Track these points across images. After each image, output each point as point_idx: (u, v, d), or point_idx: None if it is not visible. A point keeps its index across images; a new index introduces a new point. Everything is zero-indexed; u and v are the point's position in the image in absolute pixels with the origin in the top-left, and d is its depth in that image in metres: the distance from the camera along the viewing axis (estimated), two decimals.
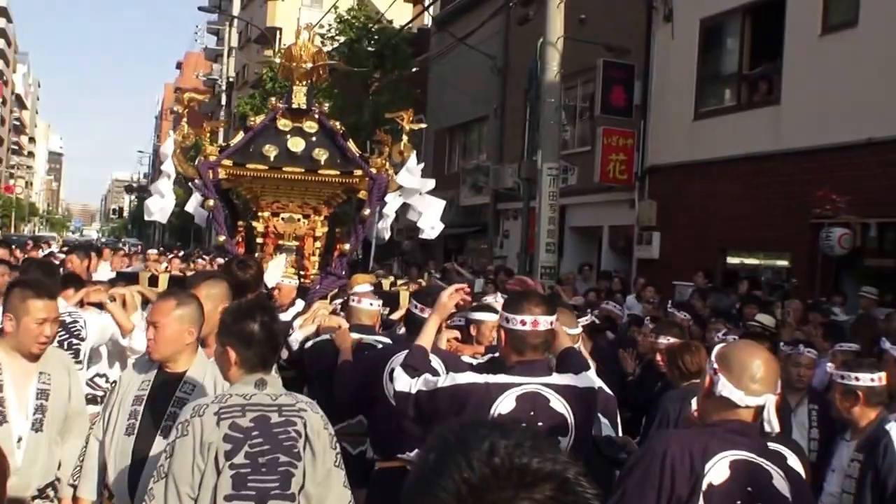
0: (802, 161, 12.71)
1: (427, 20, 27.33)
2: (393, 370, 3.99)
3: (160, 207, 8.26)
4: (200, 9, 36.56)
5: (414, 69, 25.87)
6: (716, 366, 2.92)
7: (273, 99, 8.90)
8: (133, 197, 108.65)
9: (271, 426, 3.18)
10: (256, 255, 7.96)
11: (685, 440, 2.87)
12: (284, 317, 6.88)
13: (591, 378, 3.85)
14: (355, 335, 5.44)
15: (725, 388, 2.84)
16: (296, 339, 6.00)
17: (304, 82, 8.00)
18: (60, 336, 5.18)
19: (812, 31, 12.89)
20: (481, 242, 23.40)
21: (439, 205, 8.50)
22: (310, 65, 7.98)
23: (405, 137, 8.12)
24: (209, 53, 69.47)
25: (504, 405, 3.51)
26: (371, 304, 5.66)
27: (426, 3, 24.08)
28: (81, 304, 6.07)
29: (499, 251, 21.70)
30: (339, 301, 7.40)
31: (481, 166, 23.20)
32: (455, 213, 24.84)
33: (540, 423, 3.49)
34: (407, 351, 3.99)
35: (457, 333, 5.66)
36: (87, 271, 11.08)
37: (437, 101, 26.39)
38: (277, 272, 7.57)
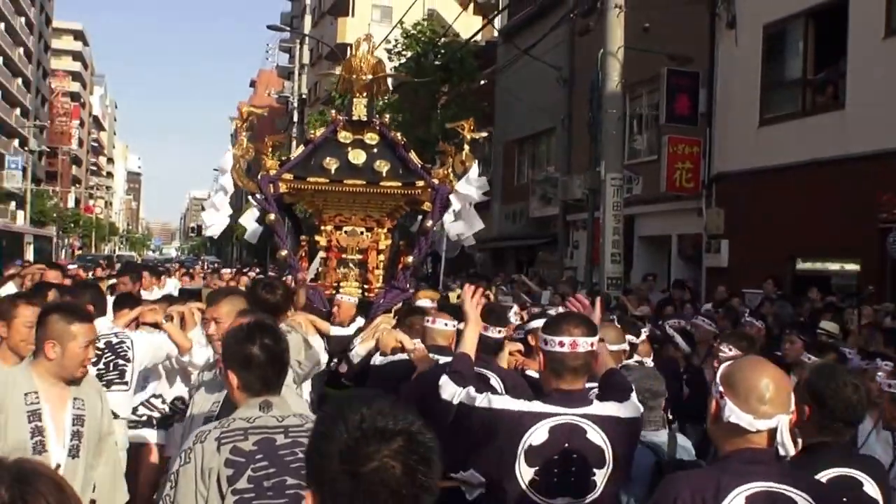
0: (868, 165, 12.82)
1: (494, 32, 27.86)
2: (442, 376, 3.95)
3: (214, 221, 8.46)
4: (269, 27, 37.52)
5: (482, 82, 26.39)
6: (721, 388, 2.73)
7: (334, 111, 9.10)
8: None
9: (276, 448, 3.12)
10: (319, 269, 8.17)
11: (696, 482, 2.69)
12: (346, 332, 7.12)
13: (636, 405, 3.68)
14: (431, 355, 5.27)
15: (733, 412, 2.65)
16: (357, 353, 5.97)
17: (364, 94, 8.09)
18: (106, 357, 5.42)
19: (876, 33, 13.03)
20: (552, 254, 23.74)
21: (479, 224, 8.49)
22: (370, 76, 8.07)
23: (467, 147, 8.15)
24: (282, 71, 71.16)
25: (537, 436, 3.45)
26: (446, 325, 5.39)
27: (491, 16, 24.52)
28: (137, 324, 6.22)
29: (569, 262, 22.03)
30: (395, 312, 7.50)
31: (550, 177, 23.57)
32: (525, 225, 25.29)
33: (574, 455, 3.44)
34: (456, 356, 3.96)
35: (520, 346, 5.73)
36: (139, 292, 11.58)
37: (505, 113, 26.83)
38: (313, 270, 7.83)
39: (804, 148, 14.14)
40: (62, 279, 9.77)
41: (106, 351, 5.44)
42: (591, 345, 3.54)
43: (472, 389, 3.64)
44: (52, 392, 3.90)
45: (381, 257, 8.20)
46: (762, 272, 13.99)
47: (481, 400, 3.57)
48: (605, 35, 14.10)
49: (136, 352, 5.53)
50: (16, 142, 68.90)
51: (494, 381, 4.61)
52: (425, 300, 7.88)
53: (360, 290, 8.02)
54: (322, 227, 8.15)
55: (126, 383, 5.45)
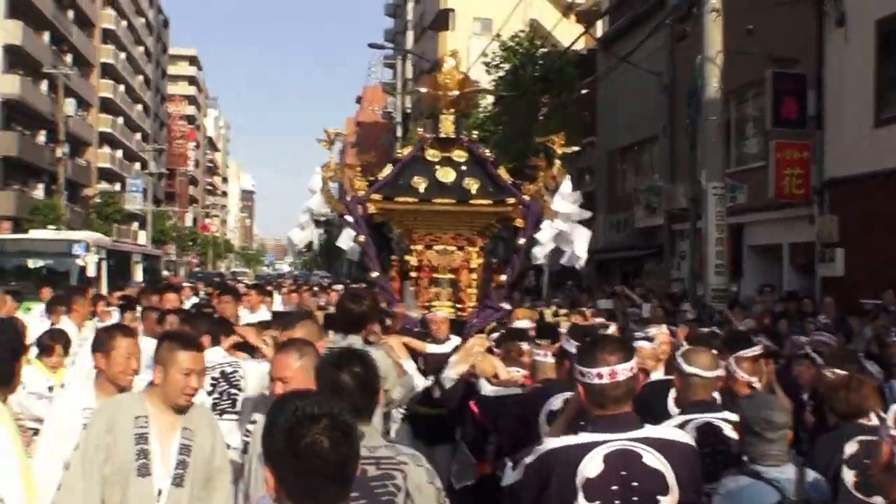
0: None
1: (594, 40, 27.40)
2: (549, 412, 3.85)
3: (300, 239, 8.43)
4: (371, 45, 37.92)
5: (583, 91, 25.96)
6: (894, 432, 2.34)
7: (420, 129, 8.79)
8: (321, 231, 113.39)
9: (368, 480, 3.05)
10: (411, 289, 7.94)
11: None
12: (443, 349, 6.95)
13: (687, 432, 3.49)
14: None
15: None
16: (448, 377, 5.73)
17: (451, 110, 7.86)
18: (220, 386, 5.40)
19: None
20: (658, 265, 23.10)
21: (587, 235, 8.19)
22: (456, 92, 7.83)
23: (558, 162, 7.85)
24: (386, 87, 71.90)
25: (591, 467, 3.18)
26: (552, 358, 5.16)
27: (590, 24, 24.10)
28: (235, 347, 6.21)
29: (676, 273, 21.37)
30: (495, 335, 7.25)
31: (654, 186, 22.95)
32: (630, 235, 24.69)
33: (634, 483, 3.17)
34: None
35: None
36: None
37: (607, 121, 26.35)
38: (410, 301, 7.58)
39: None
40: (179, 302, 9.99)
41: (220, 380, 5.45)
42: (631, 370, 3.29)
43: (511, 463, 3.45)
44: (161, 418, 3.91)
45: (474, 276, 7.98)
46: (881, 282, 13.20)
47: (527, 458, 3.33)
48: (703, 40, 13.56)
49: (248, 381, 5.48)
50: (137, 165, 71.44)
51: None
52: (524, 321, 7.71)
53: (452, 310, 7.84)
54: (412, 247, 7.98)
55: (238, 413, 5.37)
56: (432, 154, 7.83)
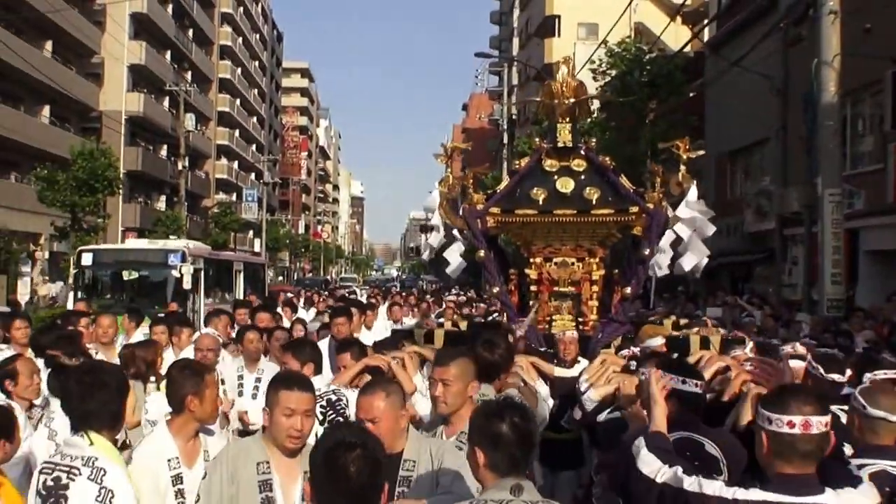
0: None
1: (702, 42, 26.91)
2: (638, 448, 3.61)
3: (453, 268, 8.03)
4: (477, 54, 38.42)
5: (691, 94, 25.51)
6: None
7: (538, 139, 8.43)
8: (427, 236, 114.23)
9: None
10: (531, 303, 7.60)
11: None
12: (570, 373, 6.54)
13: (874, 492, 3.13)
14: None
15: None
16: (590, 398, 5.33)
17: (567, 119, 7.60)
18: (329, 416, 5.12)
19: None
20: (769, 270, 22.49)
21: (704, 252, 7.73)
22: (572, 100, 7.59)
23: (683, 168, 7.50)
24: (492, 94, 72.13)
25: None
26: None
27: (698, 28, 23.66)
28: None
29: (787, 279, 20.76)
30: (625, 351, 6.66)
31: (765, 190, 22.36)
32: (740, 240, 24.10)
33: None
34: (651, 434, 3.65)
35: (764, 390, 4.98)
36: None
37: (716, 126, 25.80)
38: (531, 316, 7.23)
39: None
40: (270, 321, 9.74)
41: (328, 409, 5.16)
42: (826, 425, 2.96)
43: (679, 469, 3.24)
44: (283, 463, 3.72)
45: (595, 288, 7.64)
46: None
47: (691, 483, 3.15)
48: (819, 43, 13.12)
49: (353, 410, 5.11)
50: (252, 175, 73.48)
51: (711, 447, 3.99)
52: (656, 339, 6.89)
53: (574, 324, 7.54)
54: (531, 260, 7.68)
55: None
56: (550, 164, 7.58)
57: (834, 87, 13.22)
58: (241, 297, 21.78)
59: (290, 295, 22.00)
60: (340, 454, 2.58)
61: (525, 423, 3.05)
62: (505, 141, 54.38)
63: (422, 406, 5.14)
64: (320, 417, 4.90)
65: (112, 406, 3.77)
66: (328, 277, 70.18)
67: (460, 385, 4.13)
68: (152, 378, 6.48)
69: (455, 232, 7.93)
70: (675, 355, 6.07)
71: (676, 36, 32.87)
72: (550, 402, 5.46)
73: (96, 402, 3.71)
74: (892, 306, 13.91)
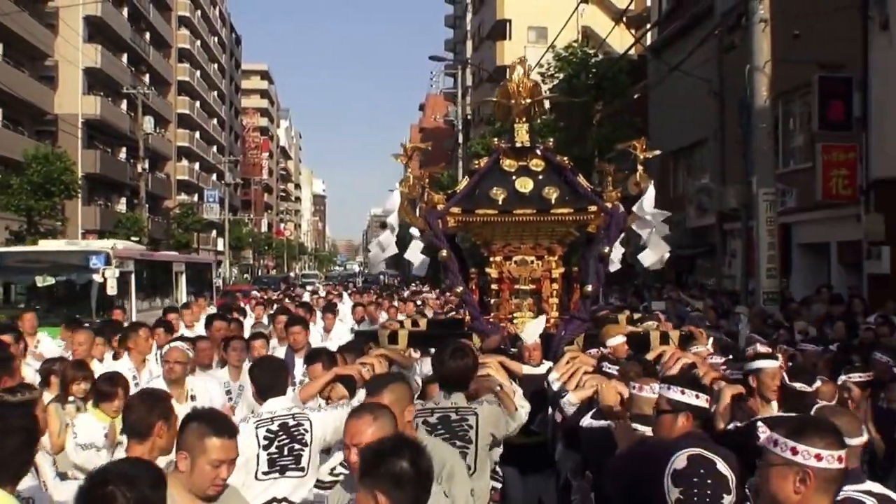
0: None
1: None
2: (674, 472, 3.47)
3: (378, 259, 8.07)
4: (431, 58, 38.37)
5: (635, 96, 25.90)
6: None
7: (495, 139, 8.26)
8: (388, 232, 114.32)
9: None
10: (493, 301, 7.50)
11: None
12: (538, 371, 6.51)
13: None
14: (637, 426, 4.48)
15: None
16: (569, 402, 5.26)
17: (524, 119, 7.52)
18: (280, 440, 4.76)
19: None
20: (711, 263, 22.97)
21: (664, 248, 7.62)
22: (528, 100, 7.49)
23: (640, 168, 7.36)
24: (447, 95, 72.29)
25: None
26: (654, 392, 4.52)
27: (639, 35, 24.04)
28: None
29: (727, 270, 21.26)
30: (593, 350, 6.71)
31: (705, 187, 22.81)
32: (683, 234, 24.53)
33: None
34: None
35: (740, 389, 4.99)
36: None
37: (659, 126, 26.23)
38: (537, 329, 6.95)
39: None
40: (227, 329, 9.19)
41: (280, 434, 4.74)
42: (840, 459, 2.84)
43: None
44: None
45: (555, 286, 7.58)
46: None
47: None
48: (752, 50, 13.48)
49: (314, 433, 4.79)
50: (213, 176, 72.97)
51: (722, 466, 3.80)
52: (616, 338, 6.90)
53: (535, 321, 7.32)
54: (492, 259, 7.57)
55: (302, 469, 4.72)
56: (509, 164, 7.46)
57: (766, 92, 13.58)
58: (185, 301, 20.12)
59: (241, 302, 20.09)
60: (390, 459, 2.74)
61: (425, 461, 2.83)
62: (460, 141, 54.62)
63: None
64: (265, 442, 4.63)
65: (13, 458, 3.27)
66: (288, 275, 67.83)
67: (396, 411, 3.83)
68: (71, 398, 5.99)
69: (413, 230, 7.87)
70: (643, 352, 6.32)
71: (621, 40, 33.26)
72: (527, 406, 5.30)
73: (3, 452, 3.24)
74: (822, 298, 14.35)
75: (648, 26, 26.85)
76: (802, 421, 3.05)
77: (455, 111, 57.18)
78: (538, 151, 7.52)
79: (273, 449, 4.70)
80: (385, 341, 6.98)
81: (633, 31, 32.55)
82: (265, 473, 4.60)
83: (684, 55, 20.04)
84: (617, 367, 5.77)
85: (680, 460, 3.80)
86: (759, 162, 14.00)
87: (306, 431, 4.76)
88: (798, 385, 4.87)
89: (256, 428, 4.63)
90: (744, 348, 8.12)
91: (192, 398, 6.20)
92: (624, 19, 31.86)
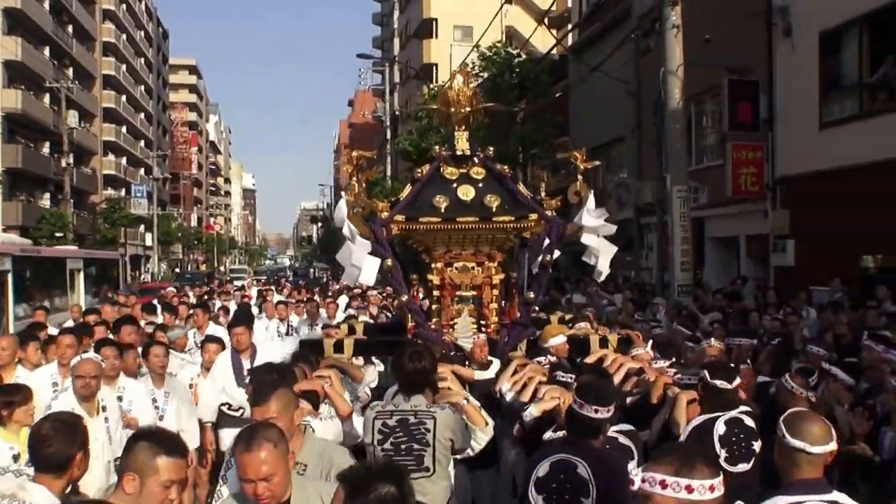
0: None
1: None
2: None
3: (367, 273, 7.22)
4: (359, 55, 38.27)
5: (557, 95, 26.29)
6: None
7: (437, 147, 8.07)
8: (319, 226, 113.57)
9: None
10: (434, 307, 7.45)
11: None
12: (487, 375, 6.53)
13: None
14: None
15: None
16: (531, 414, 5.18)
17: (464, 127, 7.43)
18: None
19: None
20: (629, 256, 23.48)
21: (612, 250, 7.58)
22: (468, 109, 7.43)
23: (580, 178, 7.38)
24: (376, 91, 72.03)
25: None
26: None
27: (560, 36, 24.40)
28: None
29: (644, 263, 21.79)
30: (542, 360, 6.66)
31: (623, 182, 23.31)
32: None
33: None
34: None
35: (693, 394, 5.08)
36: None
37: (579, 124, 26.68)
38: (466, 330, 7.07)
39: (865, 149, 13.70)
40: (136, 334, 8.51)
41: None
42: (832, 454, 3.26)
43: None
44: None
45: (496, 292, 7.50)
46: (829, 270, 13.65)
47: None
48: (665, 55, 13.89)
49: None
50: (142, 171, 71.57)
51: (582, 468, 4.00)
52: (557, 337, 7.03)
53: (475, 327, 7.38)
54: (433, 265, 7.46)
55: None
56: (450, 172, 7.38)
57: (679, 94, 14.02)
58: (81, 302, 18.58)
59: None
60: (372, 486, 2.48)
61: (403, 495, 2.52)
62: (388, 137, 54.56)
63: (358, 426, 4.96)
64: None
65: None
66: (211, 271, 63.24)
67: (286, 419, 3.70)
68: None
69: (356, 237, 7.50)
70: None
71: (544, 40, 33.64)
72: (492, 421, 5.17)
73: None
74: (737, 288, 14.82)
75: (569, 27, 27.18)
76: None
77: (383, 108, 57.02)
78: (478, 159, 7.45)
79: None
80: (331, 350, 6.87)
81: (554, 33, 32.97)
82: None
83: (604, 56, 20.42)
84: (571, 376, 5.74)
85: (543, 468, 4.05)
86: (673, 160, 14.45)
87: None
88: (718, 382, 4.93)
89: None
90: (669, 340, 8.39)
91: (104, 409, 5.79)
92: (546, 20, 32.32)
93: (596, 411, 4.11)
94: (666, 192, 14.79)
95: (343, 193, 7.51)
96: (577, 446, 4.07)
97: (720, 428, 4.81)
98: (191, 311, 12.43)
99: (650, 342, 7.64)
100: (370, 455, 4.72)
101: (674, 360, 7.08)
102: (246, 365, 7.95)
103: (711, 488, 2.48)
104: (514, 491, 6.15)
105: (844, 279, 13.34)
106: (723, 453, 4.73)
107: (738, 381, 5.14)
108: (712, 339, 7.84)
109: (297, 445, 3.70)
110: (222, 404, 7.90)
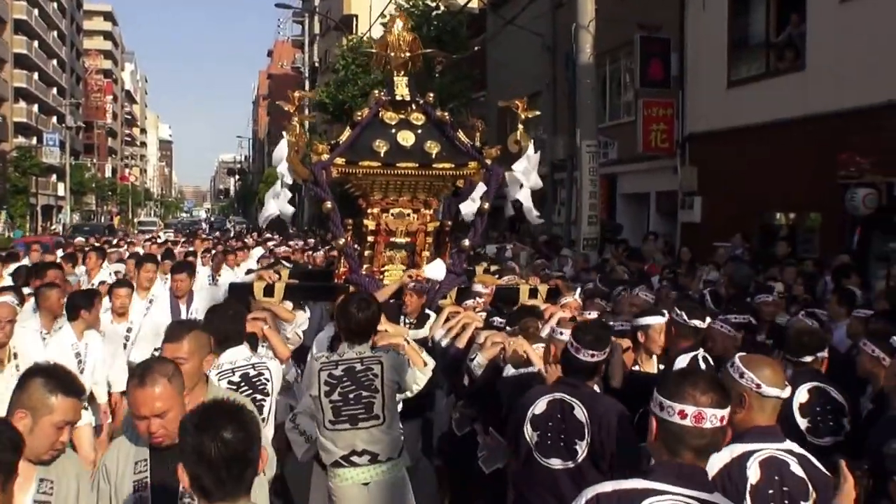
0: (828, 124, 12.48)
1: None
2: None
3: (271, 210, 7.19)
4: (277, 5, 36.99)
5: (475, 48, 25.93)
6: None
7: (376, 91, 7.81)
8: (236, 179, 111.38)
9: None
10: (367, 253, 7.26)
11: None
12: (423, 332, 6.35)
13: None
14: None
15: None
16: (478, 364, 5.02)
17: (403, 73, 7.19)
18: (244, 392, 4.40)
19: None
20: (544, 211, 23.46)
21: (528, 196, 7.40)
22: (408, 54, 7.22)
23: (520, 127, 7.25)
24: (296, 42, 70.40)
25: None
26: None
27: None
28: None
29: (557, 218, 21.79)
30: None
31: (538, 138, 23.17)
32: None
33: None
34: None
35: (628, 342, 5.12)
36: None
37: (496, 78, 26.43)
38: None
39: (769, 108, 13.79)
40: (61, 279, 7.97)
41: (242, 385, 4.48)
42: (722, 419, 2.54)
43: None
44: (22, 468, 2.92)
45: (429, 239, 7.38)
46: (733, 226, 13.77)
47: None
48: (577, 9, 13.72)
49: (274, 382, 4.62)
50: (54, 119, 68.76)
51: (578, 410, 4.04)
52: (480, 285, 7.15)
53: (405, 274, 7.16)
54: (369, 211, 7.28)
55: (264, 420, 4.45)
56: (390, 117, 7.16)
57: (590, 49, 13.87)
58: None
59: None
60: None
61: (238, 436, 2.36)
62: (308, 89, 53.42)
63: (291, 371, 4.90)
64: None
65: None
66: (110, 223, 57.16)
67: (195, 361, 3.62)
68: None
69: (286, 180, 7.23)
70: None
71: None
72: (432, 361, 5.06)
73: None
74: (650, 244, 14.79)
75: None
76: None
77: (302, 58, 55.76)
78: (417, 105, 7.22)
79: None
80: (261, 294, 6.74)
81: None
82: None
83: (520, 10, 20.19)
84: (505, 322, 5.79)
85: (540, 405, 4.14)
86: (583, 115, 14.36)
87: (267, 381, 4.60)
88: (696, 322, 5.16)
89: (218, 380, 4.35)
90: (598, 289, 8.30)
91: (15, 356, 5.57)
92: None
93: (592, 355, 4.17)
94: (576, 147, 14.70)
95: (284, 133, 7.15)
96: (574, 388, 4.14)
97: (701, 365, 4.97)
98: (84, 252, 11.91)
99: (577, 291, 7.62)
100: (317, 408, 4.66)
101: (607, 310, 7.12)
102: (183, 310, 7.87)
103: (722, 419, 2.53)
104: (440, 445, 6.12)
105: (746, 235, 13.50)
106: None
107: (708, 320, 5.30)
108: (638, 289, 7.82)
109: (201, 394, 3.49)
110: (155, 349, 7.52)
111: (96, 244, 17.20)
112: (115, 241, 21.22)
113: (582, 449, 3.98)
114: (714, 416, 2.50)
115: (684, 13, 16.13)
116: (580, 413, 4.03)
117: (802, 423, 4.48)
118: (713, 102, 15.39)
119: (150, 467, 3.10)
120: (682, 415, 2.49)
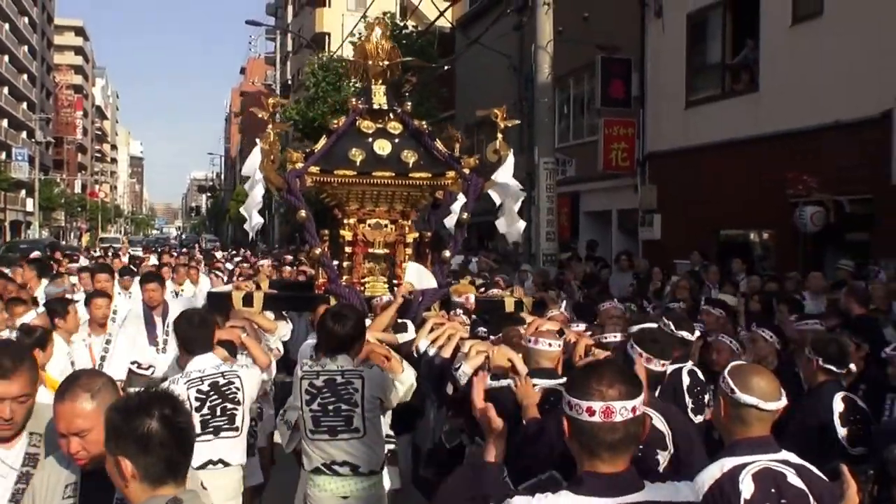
0: (778, 144, 12.89)
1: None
2: None
3: (257, 220, 7.12)
4: (248, 22, 37.13)
5: (445, 67, 26.25)
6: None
7: (353, 100, 7.67)
8: (207, 196, 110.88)
9: None
10: (345, 264, 7.18)
11: None
12: (406, 336, 6.20)
13: (691, 486, 2.66)
14: (537, 381, 4.24)
15: None
16: (464, 372, 4.83)
17: (381, 81, 7.16)
18: (212, 401, 4.41)
19: (784, 21, 13.04)
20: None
21: (520, 222, 7.62)
22: (386, 62, 7.15)
23: (500, 136, 7.15)
24: (268, 59, 70.61)
25: None
26: (551, 346, 4.43)
27: (445, 8, 24.32)
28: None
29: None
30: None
31: None
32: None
33: None
34: None
35: (612, 355, 4.99)
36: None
37: (464, 97, 26.77)
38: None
39: (724, 128, 14.20)
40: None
41: (211, 394, 4.47)
42: (634, 410, 2.37)
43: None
44: None
45: (409, 251, 7.23)
46: (691, 244, 14.09)
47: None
48: (536, 30, 14.06)
49: (245, 391, 4.61)
50: (24, 134, 68.32)
51: (658, 421, 3.81)
52: (467, 294, 7.07)
53: (387, 286, 7.10)
54: (346, 221, 7.18)
55: (237, 428, 4.52)
56: (366, 125, 7.05)
57: (548, 69, 14.21)
58: None
59: None
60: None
61: (179, 417, 2.37)
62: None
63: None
64: (196, 404, 4.42)
65: None
66: (54, 240, 51.07)
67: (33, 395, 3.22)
68: None
69: (257, 190, 7.09)
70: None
71: (436, 8, 33.46)
72: (412, 370, 5.09)
73: None
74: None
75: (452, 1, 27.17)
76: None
77: (275, 76, 55.99)
78: (395, 114, 7.14)
79: (206, 410, 4.47)
80: (240, 304, 6.62)
81: (445, 5, 32.87)
82: (198, 436, 4.24)
83: (483, 31, 20.53)
84: (488, 331, 5.73)
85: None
86: (540, 134, 14.68)
87: (238, 389, 4.56)
88: (685, 334, 5.26)
89: (187, 389, 4.37)
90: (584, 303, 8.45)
91: None
92: None
93: (663, 365, 4.14)
94: (534, 165, 15.01)
95: (258, 141, 7.07)
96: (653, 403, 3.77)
97: (686, 379, 4.97)
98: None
99: (563, 304, 7.69)
100: (299, 417, 4.66)
101: (594, 322, 7.08)
102: (159, 322, 7.73)
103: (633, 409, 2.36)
104: (429, 456, 6.01)
105: (704, 252, 13.80)
106: (689, 403, 4.86)
107: (697, 333, 5.40)
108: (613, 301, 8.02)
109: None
110: (131, 362, 7.56)
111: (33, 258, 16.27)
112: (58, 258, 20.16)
113: (664, 459, 3.77)
114: (624, 409, 2.33)
115: (645, 35, 16.53)
116: (660, 424, 3.80)
117: (842, 432, 4.46)
118: (672, 122, 15.78)
119: (81, 493, 2.78)
120: (591, 411, 2.34)
